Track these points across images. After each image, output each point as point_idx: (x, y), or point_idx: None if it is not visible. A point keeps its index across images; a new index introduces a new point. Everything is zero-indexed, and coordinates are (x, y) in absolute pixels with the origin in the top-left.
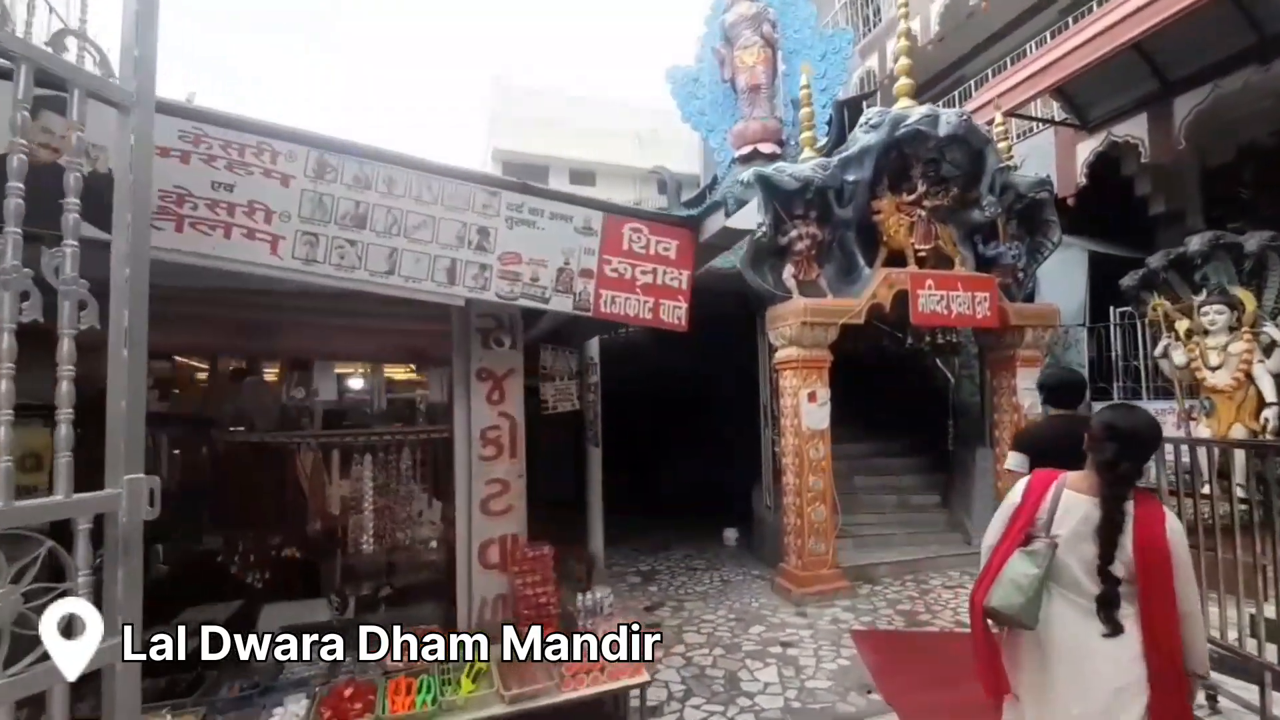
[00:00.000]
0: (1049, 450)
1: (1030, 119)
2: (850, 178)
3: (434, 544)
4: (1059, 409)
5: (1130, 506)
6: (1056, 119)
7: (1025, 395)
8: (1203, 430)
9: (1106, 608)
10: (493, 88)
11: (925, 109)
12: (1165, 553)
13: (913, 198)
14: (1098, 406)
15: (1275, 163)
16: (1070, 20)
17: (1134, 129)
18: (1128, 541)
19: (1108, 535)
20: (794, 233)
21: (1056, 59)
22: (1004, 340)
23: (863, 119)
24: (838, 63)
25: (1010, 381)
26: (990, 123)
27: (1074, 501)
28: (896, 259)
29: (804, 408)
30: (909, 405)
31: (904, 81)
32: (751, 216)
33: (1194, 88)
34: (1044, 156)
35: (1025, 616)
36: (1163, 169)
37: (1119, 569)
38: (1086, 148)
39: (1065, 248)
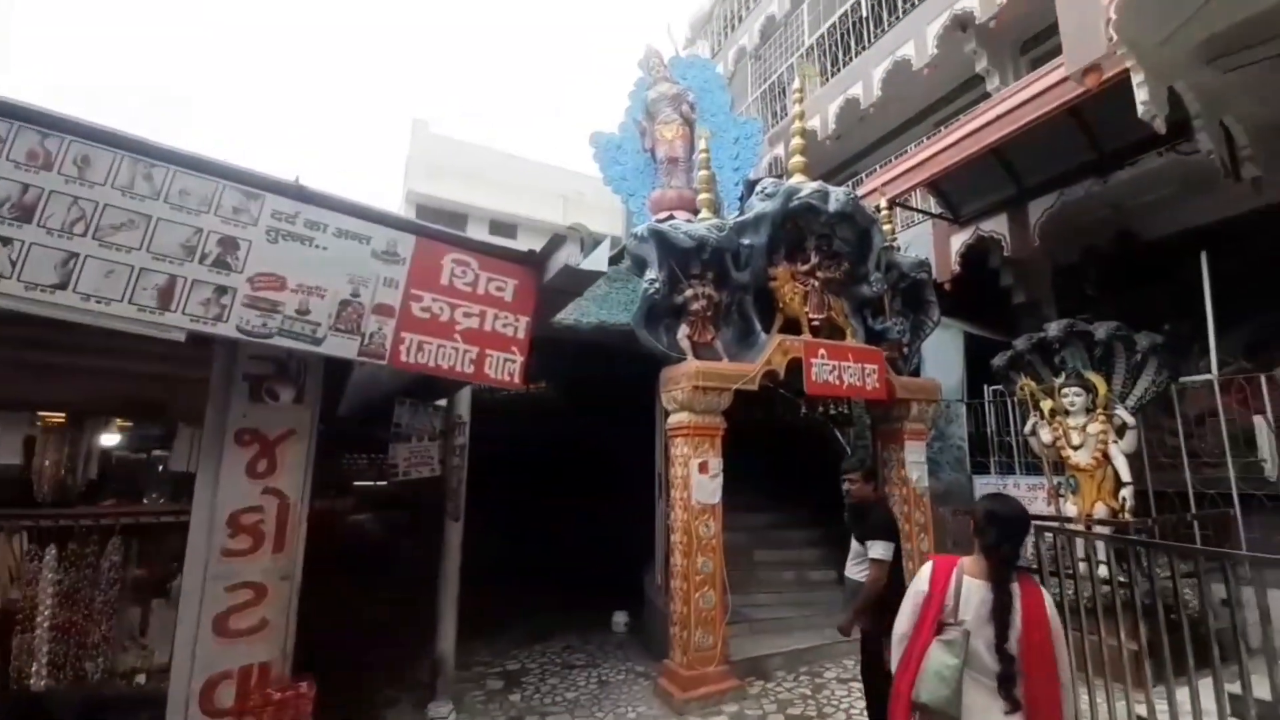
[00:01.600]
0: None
1: (911, 209)
2: (746, 242)
3: (143, 679)
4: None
5: (1016, 587)
6: (934, 211)
7: (912, 469)
8: (1069, 507)
9: (1007, 685)
10: (413, 131)
11: (816, 185)
12: (1048, 629)
13: (807, 268)
14: (980, 479)
15: (1114, 266)
16: (942, 129)
17: (997, 226)
18: (1018, 620)
19: (1001, 616)
20: (690, 292)
21: (929, 156)
22: (892, 413)
23: (759, 188)
24: (750, 147)
25: (898, 454)
26: (877, 208)
27: (972, 586)
28: (792, 327)
29: (694, 479)
30: (811, 474)
31: (798, 159)
32: (602, 260)
33: (1045, 194)
34: (924, 245)
35: (952, 708)
36: (1021, 263)
37: (1013, 647)
38: (959, 239)
39: (944, 328)
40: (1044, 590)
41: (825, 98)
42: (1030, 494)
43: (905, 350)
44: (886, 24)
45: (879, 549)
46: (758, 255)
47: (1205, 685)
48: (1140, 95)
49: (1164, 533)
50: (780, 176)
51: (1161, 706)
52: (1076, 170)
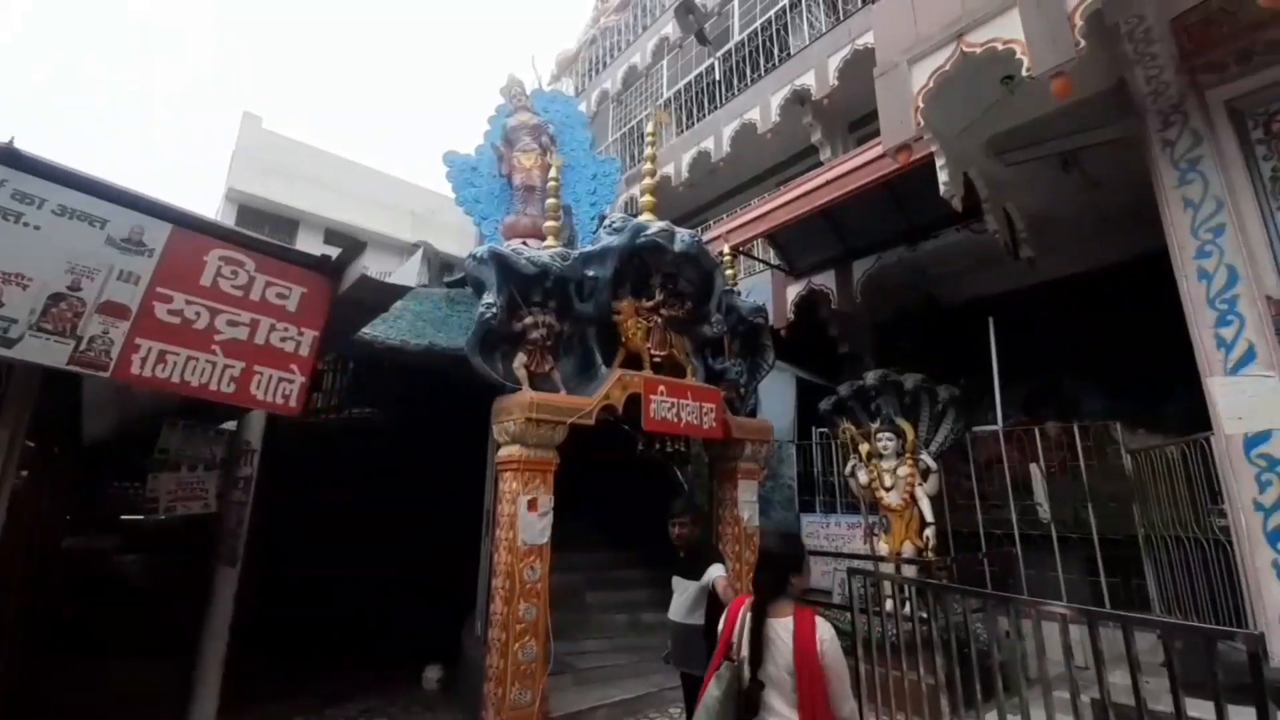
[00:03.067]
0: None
1: (753, 258)
2: (591, 273)
3: None
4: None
5: (789, 620)
6: (773, 262)
7: (745, 507)
8: (882, 546)
9: (749, 710)
10: (242, 124)
11: (664, 224)
12: (816, 658)
13: (651, 304)
14: (806, 517)
15: (921, 325)
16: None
17: (826, 281)
18: (788, 650)
19: (754, 643)
20: (529, 320)
21: (768, 210)
22: (727, 452)
23: (607, 221)
24: (608, 184)
25: (733, 493)
26: (721, 254)
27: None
28: (634, 362)
29: (522, 517)
30: (650, 512)
31: (648, 199)
32: (412, 274)
33: (866, 255)
34: (764, 292)
35: None
36: (846, 317)
37: (769, 674)
38: (794, 290)
39: (780, 371)
40: (822, 621)
41: (680, 147)
42: (849, 532)
43: (742, 391)
44: (736, 89)
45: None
46: (602, 288)
47: (995, 716)
48: (942, 177)
49: (960, 570)
50: (635, 215)
51: None
52: (892, 237)
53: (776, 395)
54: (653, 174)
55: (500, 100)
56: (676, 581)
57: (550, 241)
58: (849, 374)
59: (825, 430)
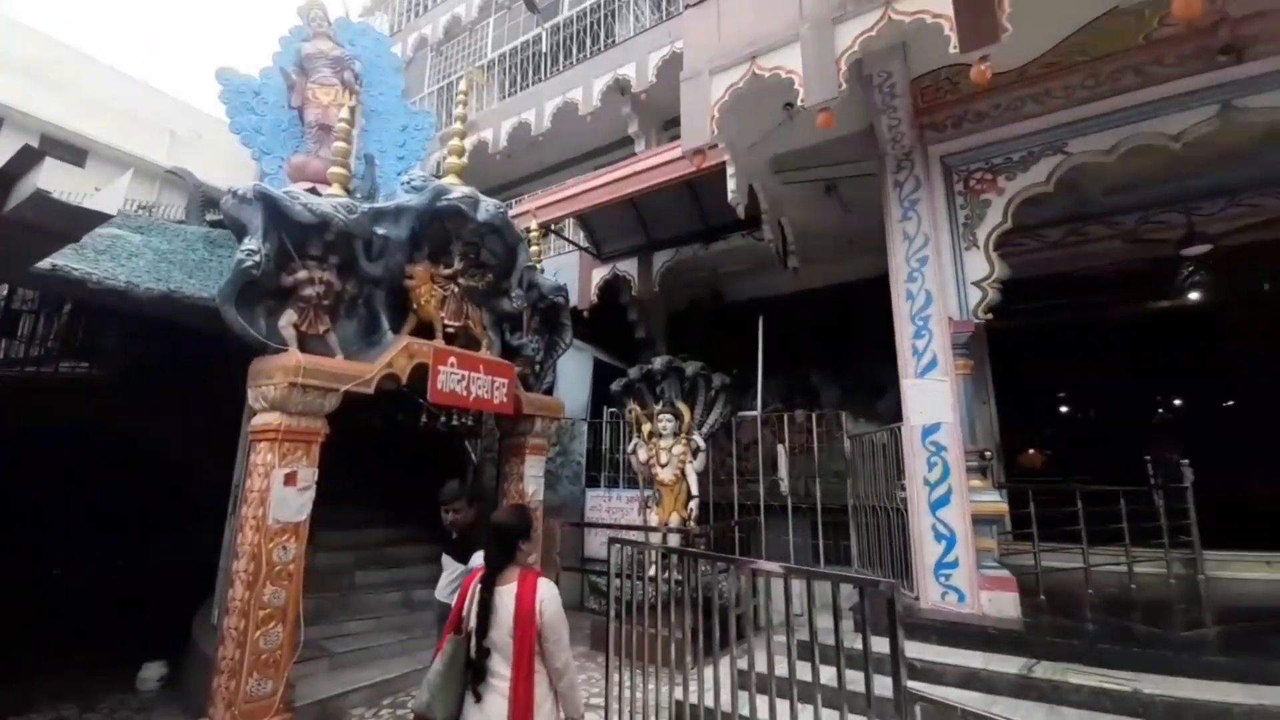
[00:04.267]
0: None
1: (563, 238)
2: (382, 231)
3: None
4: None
5: (514, 585)
6: (581, 244)
7: (530, 483)
8: (653, 517)
9: (478, 677)
10: None
11: (468, 190)
12: (535, 616)
13: (449, 272)
14: (591, 492)
15: (709, 317)
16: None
17: (629, 268)
18: (510, 614)
19: (482, 612)
20: (303, 275)
21: (579, 193)
22: (517, 427)
23: (405, 178)
24: (419, 139)
25: (519, 468)
26: (528, 229)
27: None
28: (425, 331)
29: (276, 493)
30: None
31: (455, 161)
32: (117, 198)
33: (666, 249)
34: (571, 273)
35: (430, 711)
36: (644, 304)
37: (493, 640)
38: (600, 274)
39: (580, 351)
40: (545, 582)
41: (501, 113)
42: (629, 505)
43: (538, 368)
44: (562, 65)
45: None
46: (395, 249)
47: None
48: (731, 185)
49: (716, 537)
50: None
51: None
52: (689, 234)
53: (575, 374)
54: (462, 135)
55: (297, 22)
56: (446, 560)
57: (336, 190)
58: (644, 358)
59: (615, 410)
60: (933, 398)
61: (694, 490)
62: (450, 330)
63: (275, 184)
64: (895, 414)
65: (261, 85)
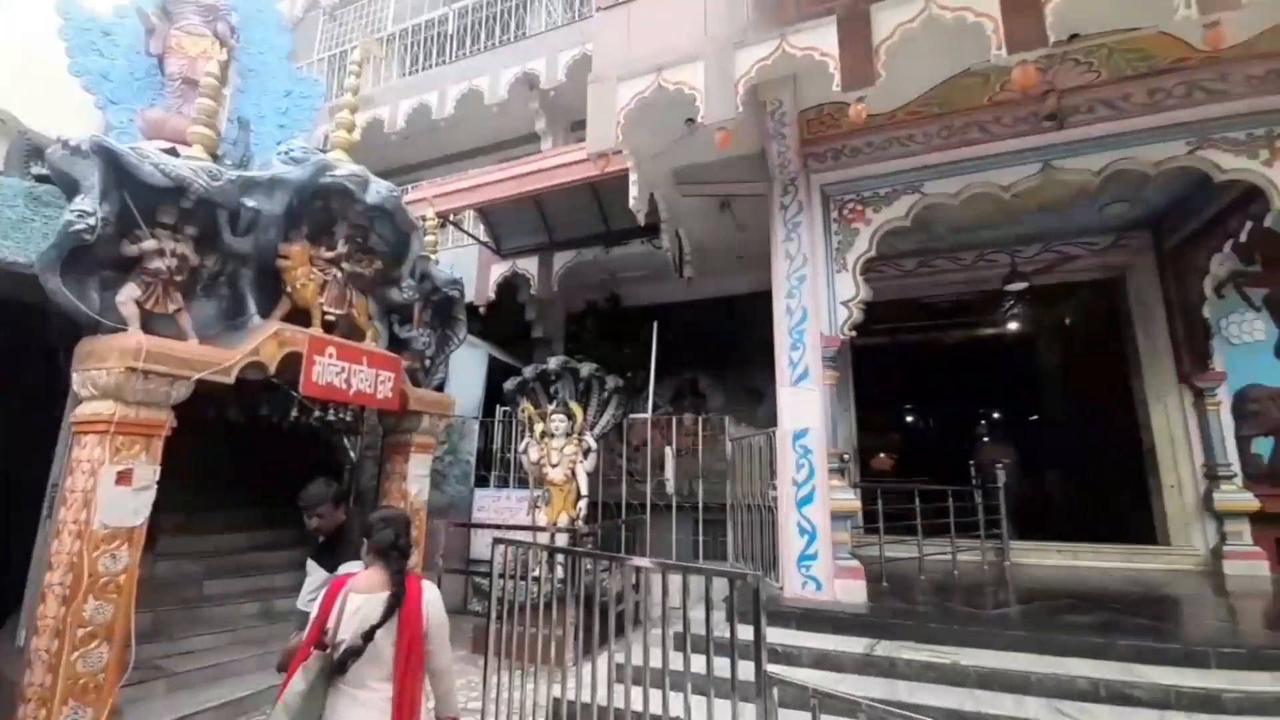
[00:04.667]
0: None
1: (462, 230)
2: (252, 204)
3: None
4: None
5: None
6: (481, 238)
7: (414, 482)
8: (542, 517)
9: (346, 691)
10: None
11: (357, 168)
12: (421, 620)
13: (331, 255)
14: (480, 492)
15: (607, 320)
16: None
17: (530, 266)
18: (391, 623)
19: (391, 606)
20: (151, 245)
21: (480, 184)
22: (402, 424)
23: (283, 147)
24: (305, 108)
25: (403, 467)
26: (424, 217)
27: (355, 602)
28: (302, 318)
29: (104, 494)
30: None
31: (343, 135)
32: None
33: (567, 249)
34: (469, 267)
35: None
36: (543, 303)
37: (370, 651)
38: (499, 270)
39: (475, 348)
40: (428, 585)
41: (401, 91)
42: (518, 505)
43: (428, 363)
44: (469, 50)
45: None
46: (267, 225)
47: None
48: (633, 192)
49: (604, 535)
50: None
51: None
52: (591, 237)
53: (468, 371)
54: (354, 109)
55: None
56: (312, 566)
57: (199, 153)
58: (540, 357)
59: (509, 408)
60: (804, 405)
61: (584, 490)
62: (330, 318)
63: (125, 139)
64: (773, 419)
65: (113, 26)
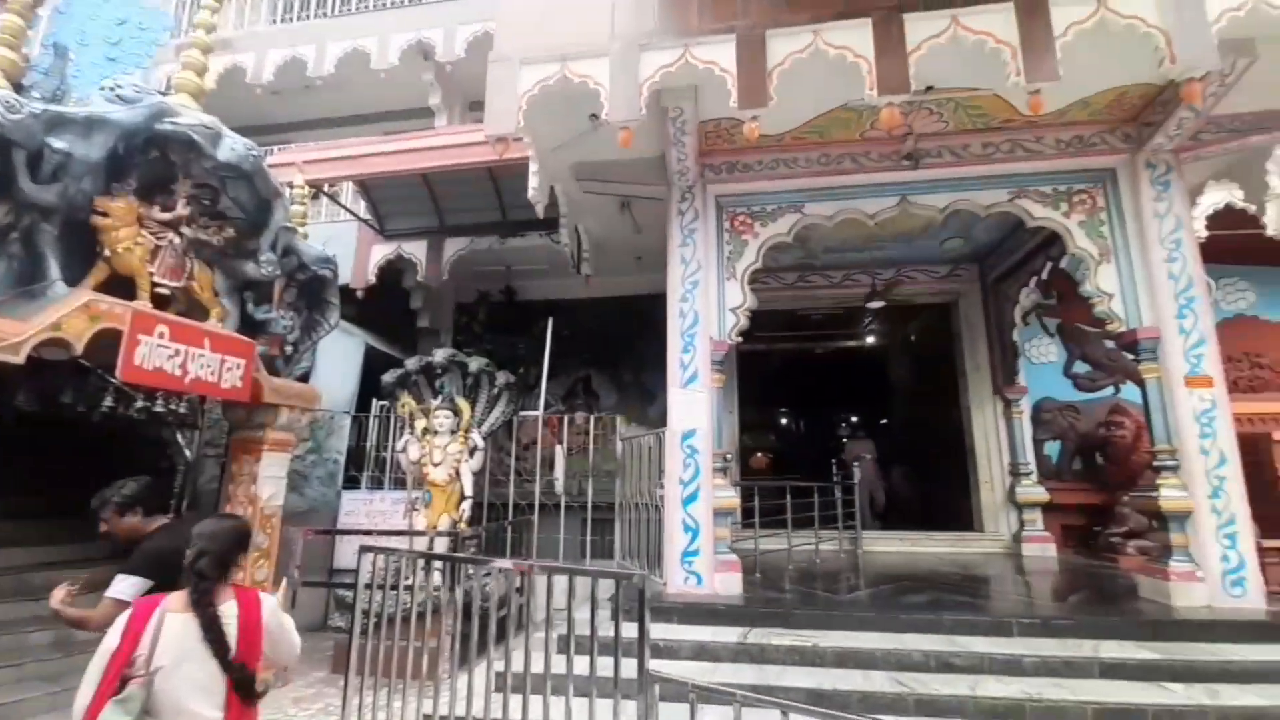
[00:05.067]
0: (177, 567)
1: (339, 204)
2: (61, 145)
3: None
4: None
5: (232, 604)
6: (362, 215)
7: (266, 485)
8: (420, 520)
9: (247, 690)
10: None
11: (207, 118)
12: (260, 636)
13: (168, 217)
14: (349, 494)
15: (499, 313)
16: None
17: (417, 251)
18: (234, 633)
19: (218, 633)
20: None
21: (363, 155)
22: (254, 418)
23: (109, 82)
24: (144, 39)
25: (253, 467)
26: (292, 184)
27: (175, 624)
28: (126, 289)
29: None
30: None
31: (190, 79)
32: None
33: (461, 236)
34: (346, 246)
35: None
36: (431, 291)
37: (197, 678)
38: (381, 251)
39: (348, 336)
40: (266, 597)
41: (269, 40)
42: (393, 508)
43: (290, 349)
44: (354, 6)
45: (124, 586)
46: (83, 173)
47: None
48: (532, 182)
49: (489, 537)
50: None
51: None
52: (487, 225)
53: (340, 361)
54: (206, 49)
55: None
56: (121, 582)
57: None
58: (425, 349)
59: (387, 403)
60: (693, 406)
61: (468, 491)
62: (164, 291)
63: None
64: (664, 419)
65: None
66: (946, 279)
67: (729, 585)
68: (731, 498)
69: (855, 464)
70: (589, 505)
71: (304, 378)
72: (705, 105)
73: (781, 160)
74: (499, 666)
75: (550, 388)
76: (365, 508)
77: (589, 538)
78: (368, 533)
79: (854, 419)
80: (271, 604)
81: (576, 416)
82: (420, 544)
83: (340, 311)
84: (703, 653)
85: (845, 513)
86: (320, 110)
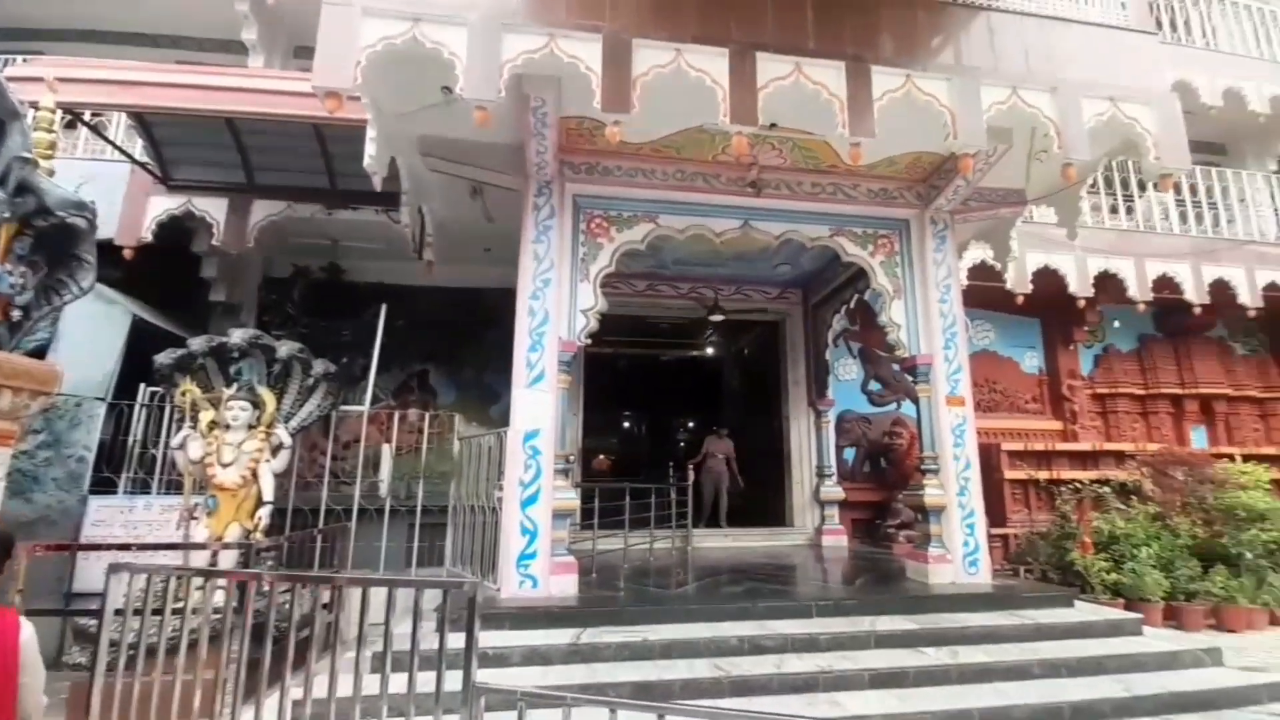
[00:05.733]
0: None
1: (102, 136)
2: None
3: None
4: None
5: None
6: (137, 157)
7: None
8: (201, 531)
9: None
10: None
11: None
12: (17, 661)
13: None
14: (99, 500)
15: (321, 293)
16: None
17: (215, 209)
18: None
19: None
20: None
21: (146, 82)
22: None
23: None
24: None
25: None
26: (35, 104)
27: None
28: None
29: None
30: None
31: None
32: None
33: (275, 198)
34: (112, 191)
35: None
36: (230, 259)
37: None
38: (162, 204)
39: (107, 304)
40: (25, 621)
41: None
42: (162, 517)
43: (18, 315)
44: None
45: None
46: None
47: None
48: (369, 149)
49: (293, 548)
50: None
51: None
52: (311, 191)
53: (94, 334)
54: None
55: None
56: None
57: None
58: (220, 328)
59: (160, 390)
60: (538, 406)
61: (267, 495)
62: None
63: None
64: (506, 419)
65: None
66: (777, 300)
67: (565, 587)
68: (572, 499)
69: (707, 460)
70: (418, 509)
71: (39, 353)
72: (568, 100)
73: (641, 170)
74: (297, 694)
75: (380, 381)
76: (123, 516)
77: (417, 544)
78: (124, 547)
79: (691, 424)
80: (30, 628)
81: (410, 413)
82: (200, 559)
83: (98, 273)
84: (535, 657)
85: (679, 512)
86: (91, 19)
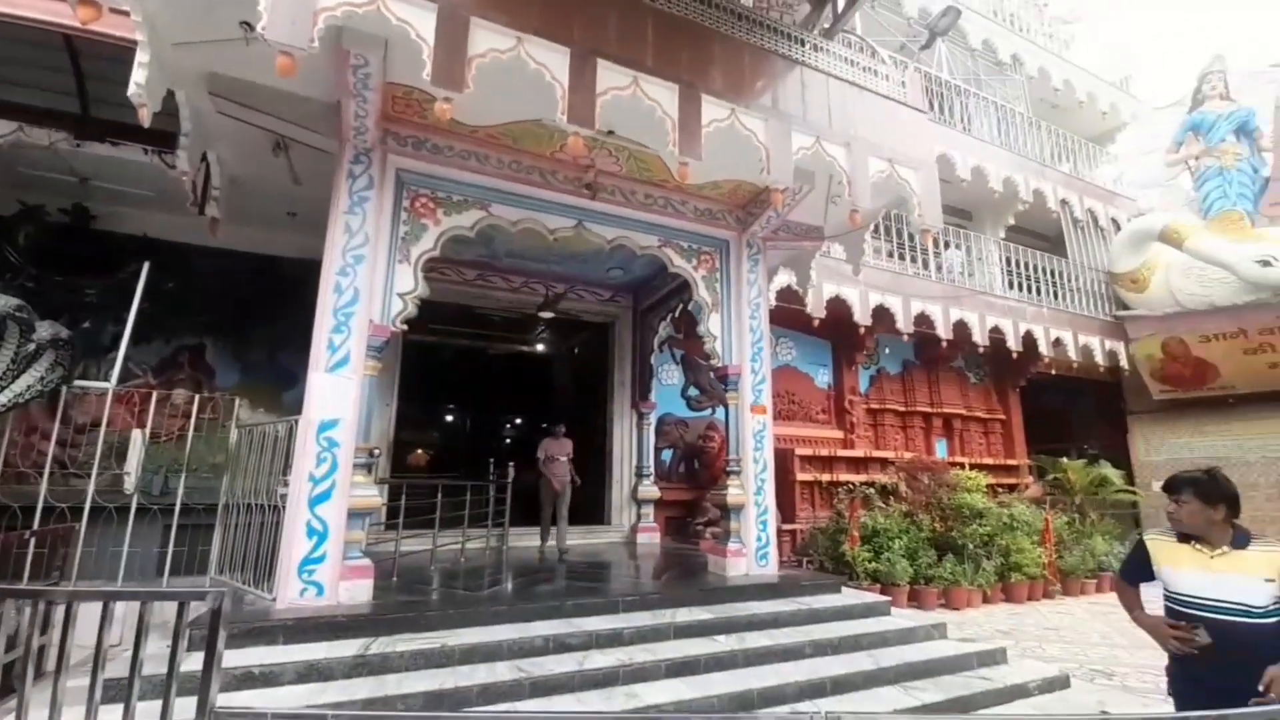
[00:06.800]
0: None
1: None
2: None
3: None
4: None
5: None
6: None
7: None
8: None
9: None
10: None
11: None
12: None
13: None
14: None
15: (58, 239)
16: None
17: None
18: None
19: None
20: None
21: None
22: None
23: None
24: None
25: None
26: None
27: None
28: None
29: None
30: None
31: None
32: None
33: (2, 117)
34: None
35: None
36: None
37: None
38: None
39: None
40: None
41: None
42: None
43: None
44: None
45: None
46: None
47: None
48: (137, 75)
49: None
50: None
51: None
52: (52, 113)
53: None
54: None
55: None
56: None
57: None
58: None
59: None
60: (338, 393)
61: None
62: None
63: None
64: (301, 406)
65: None
66: (608, 302)
67: (356, 593)
68: (373, 497)
69: (549, 463)
70: (177, 508)
71: None
72: (395, 66)
73: (474, 153)
74: None
75: (137, 354)
76: None
77: (172, 549)
78: None
79: (518, 420)
80: None
81: (174, 394)
82: None
83: None
84: (313, 673)
85: (497, 510)
86: None
